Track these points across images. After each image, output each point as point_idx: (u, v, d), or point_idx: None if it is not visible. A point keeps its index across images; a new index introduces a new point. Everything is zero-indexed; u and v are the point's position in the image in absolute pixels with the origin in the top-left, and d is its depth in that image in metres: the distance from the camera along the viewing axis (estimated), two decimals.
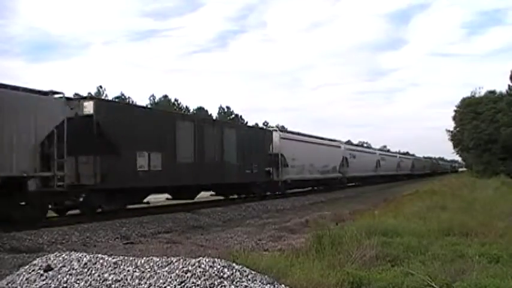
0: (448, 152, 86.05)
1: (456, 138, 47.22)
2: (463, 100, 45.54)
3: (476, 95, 44.61)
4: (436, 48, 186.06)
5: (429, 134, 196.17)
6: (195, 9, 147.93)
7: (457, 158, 70.76)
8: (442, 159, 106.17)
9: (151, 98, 57.64)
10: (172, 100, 58.65)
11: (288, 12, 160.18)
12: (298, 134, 28.35)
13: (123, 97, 53.45)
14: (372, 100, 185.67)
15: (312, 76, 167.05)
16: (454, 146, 50.09)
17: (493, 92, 43.28)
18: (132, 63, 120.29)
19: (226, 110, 64.14)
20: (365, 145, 72.89)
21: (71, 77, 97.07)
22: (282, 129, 36.54)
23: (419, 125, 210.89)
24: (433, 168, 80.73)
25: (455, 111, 46.33)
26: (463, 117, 43.69)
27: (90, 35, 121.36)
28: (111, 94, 53.81)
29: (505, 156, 37.81)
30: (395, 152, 69.10)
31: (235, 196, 20.81)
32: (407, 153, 79.30)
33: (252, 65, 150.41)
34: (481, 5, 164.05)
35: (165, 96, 59.38)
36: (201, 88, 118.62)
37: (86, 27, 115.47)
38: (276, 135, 23.32)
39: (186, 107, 57.82)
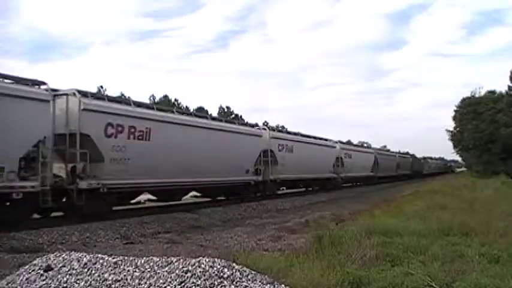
0: (448, 151, 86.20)
1: (456, 138, 47.28)
2: (463, 100, 45.65)
3: (476, 95, 44.77)
4: (436, 48, 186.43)
5: (429, 134, 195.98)
6: (195, 10, 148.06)
7: (457, 158, 70.73)
8: (431, 158, 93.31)
9: (151, 98, 57.51)
10: (173, 100, 58.55)
11: (288, 12, 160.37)
12: (290, 133, 27.20)
13: (123, 97, 53.34)
14: (372, 100, 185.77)
15: (312, 76, 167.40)
16: (454, 146, 50.20)
17: (493, 92, 43.35)
18: (132, 63, 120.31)
19: (226, 110, 64.05)
20: (365, 145, 69.79)
21: (71, 77, 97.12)
22: (279, 128, 35.57)
23: (419, 125, 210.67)
24: (414, 169, 64.83)
25: (455, 111, 46.47)
26: (463, 117, 43.76)
27: (91, 35, 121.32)
28: (111, 94, 53.74)
29: (505, 156, 37.82)
30: (395, 152, 64.09)
31: (223, 198, 20.06)
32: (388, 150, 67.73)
33: (252, 65, 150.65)
34: (481, 5, 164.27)
35: (165, 96, 59.27)
36: (201, 88, 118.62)
37: (86, 28, 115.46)
38: (265, 134, 22.38)
39: (186, 106, 57.72)
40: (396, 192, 26.74)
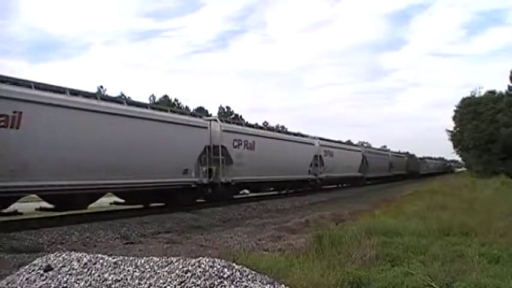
0: (448, 151, 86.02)
1: (456, 138, 47.32)
2: (463, 100, 45.69)
3: (476, 95, 44.83)
4: (436, 48, 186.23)
5: (429, 134, 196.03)
6: (196, 10, 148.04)
7: (457, 158, 70.67)
8: (430, 158, 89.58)
9: (151, 98, 57.53)
10: (173, 100, 58.57)
11: (288, 12, 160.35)
12: (252, 126, 23.21)
13: (123, 97, 53.36)
14: (371, 100, 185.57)
15: (312, 76, 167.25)
16: (454, 146, 50.26)
17: (493, 92, 43.39)
18: (132, 63, 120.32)
19: (226, 110, 64.10)
20: (365, 145, 67.98)
21: (71, 77, 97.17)
22: (237, 120, 30.60)
23: (419, 125, 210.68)
24: (410, 169, 60.30)
25: (455, 111, 46.52)
26: (463, 117, 43.80)
27: (91, 35, 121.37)
28: (111, 94, 53.77)
29: (505, 156, 37.85)
30: (388, 151, 58.32)
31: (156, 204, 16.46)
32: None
33: (252, 65, 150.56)
34: (481, 5, 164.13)
35: (165, 96, 59.30)
36: (201, 88, 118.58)
37: (86, 28, 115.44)
38: (216, 126, 18.13)
39: (186, 106, 57.75)
40: (396, 192, 26.78)
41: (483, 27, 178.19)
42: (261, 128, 23.92)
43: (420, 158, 76.19)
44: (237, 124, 22.77)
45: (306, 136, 28.84)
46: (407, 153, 70.01)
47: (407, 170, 58.71)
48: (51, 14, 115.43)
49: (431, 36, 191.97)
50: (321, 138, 30.49)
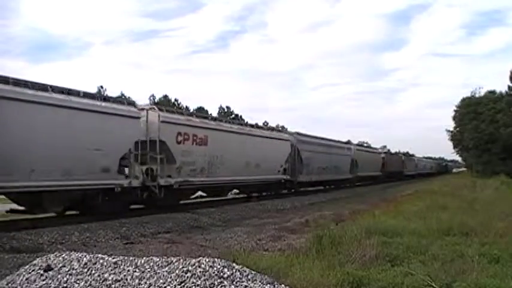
0: (447, 151, 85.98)
1: (456, 138, 47.32)
2: (463, 100, 45.69)
3: (476, 95, 44.84)
4: (436, 48, 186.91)
5: (429, 134, 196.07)
6: (196, 10, 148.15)
7: (457, 157, 70.51)
8: (426, 157, 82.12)
9: (151, 98, 57.51)
10: (173, 100, 58.57)
11: (288, 12, 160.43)
12: (206, 117, 19.56)
13: (123, 97, 53.37)
14: (372, 100, 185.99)
15: (312, 76, 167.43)
16: (454, 146, 50.27)
17: (493, 92, 43.39)
18: (132, 63, 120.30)
19: (226, 110, 64.14)
20: (365, 144, 62.64)
21: (71, 77, 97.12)
22: (187, 110, 22.68)
23: (420, 125, 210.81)
24: (388, 169, 46.36)
25: (455, 111, 46.51)
26: (463, 117, 43.79)
27: (91, 35, 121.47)
28: (111, 94, 53.81)
29: (505, 156, 37.89)
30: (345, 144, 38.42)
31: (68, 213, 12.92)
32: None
33: (252, 65, 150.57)
34: (481, 5, 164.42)
35: (165, 96, 59.29)
36: (201, 88, 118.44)
37: (86, 28, 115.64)
38: (153, 116, 14.53)
39: (186, 106, 57.71)
40: (396, 192, 26.80)
41: (483, 27, 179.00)
42: (216, 119, 19.99)
43: (406, 155, 64.89)
44: (183, 114, 18.00)
45: (281, 131, 25.77)
46: (389, 151, 59.71)
47: (384, 171, 44.94)
48: (51, 14, 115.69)
49: (431, 37, 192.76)
50: (299, 134, 26.84)
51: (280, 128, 26.18)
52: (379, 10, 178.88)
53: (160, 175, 14.43)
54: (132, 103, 15.25)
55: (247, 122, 25.37)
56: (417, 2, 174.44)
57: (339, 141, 34.85)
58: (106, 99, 14.42)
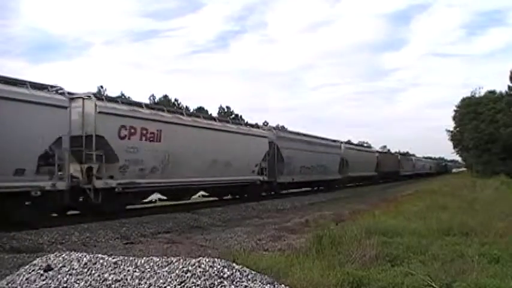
0: (447, 151, 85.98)
1: (456, 138, 47.33)
2: (463, 100, 45.70)
3: (476, 95, 44.87)
4: (436, 48, 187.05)
5: (429, 134, 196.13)
6: (196, 10, 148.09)
7: (457, 157, 70.48)
8: (425, 157, 79.68)
9: (151, 98, 57.47)
10: (173, 100, 58.57)
11: (288, 12, 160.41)
12: (162, 110, 16.07)
13: (123, 97, 53.36)
14: (372, 100, 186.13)
15: (312, 76, 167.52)
16: (454, 146, 50.28)
17: (493, 92, 43.40)
18: (132, 63, 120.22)
19: (226, 110, 64.14)
20: (365, 144, 62.06)
21: (71, 77, 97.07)
22: (132, 101, 18.88)
23: (420, 125, 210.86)
24: (382, 169, 43.77)
25: (455, 111, 46.52)
26: (463, 117, 43.80)
27: (91, 35, 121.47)
28: (111, 94, 53.78)
29: (505, 156, 37.89)
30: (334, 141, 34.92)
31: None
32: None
33: (252, 65, 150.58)
34: (481, 5, 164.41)
35: (165, 96, 59.28)
36: (201, 88, 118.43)
37: (86, 28, 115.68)
38: (89, 107, 12.53)
39: (186, 106, 57.69)
40: (396, 192, 26.81)
41: (483, 27, 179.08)
42: (173, 112, 17.23)
43: (403, 155, 62.98)
44: (131, 105, 14.92)
45: (258, 127, 23.42)
46: (389, 151, 58.47)
47: (379, 171, 42.70)
48: (51, 14, 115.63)
49: (431, 37, 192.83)
50: (278, 129, 24.52)
51: (260, 124, 23.67)
52: (379, 10, 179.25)
53: (98, 176, 12.35)
54: (59, 89, 12.06)
55: (216, 117, 22.48)
56: (417, 2, 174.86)
57: (326, 139, 31.80)
58: (21, 83, 11.11)
